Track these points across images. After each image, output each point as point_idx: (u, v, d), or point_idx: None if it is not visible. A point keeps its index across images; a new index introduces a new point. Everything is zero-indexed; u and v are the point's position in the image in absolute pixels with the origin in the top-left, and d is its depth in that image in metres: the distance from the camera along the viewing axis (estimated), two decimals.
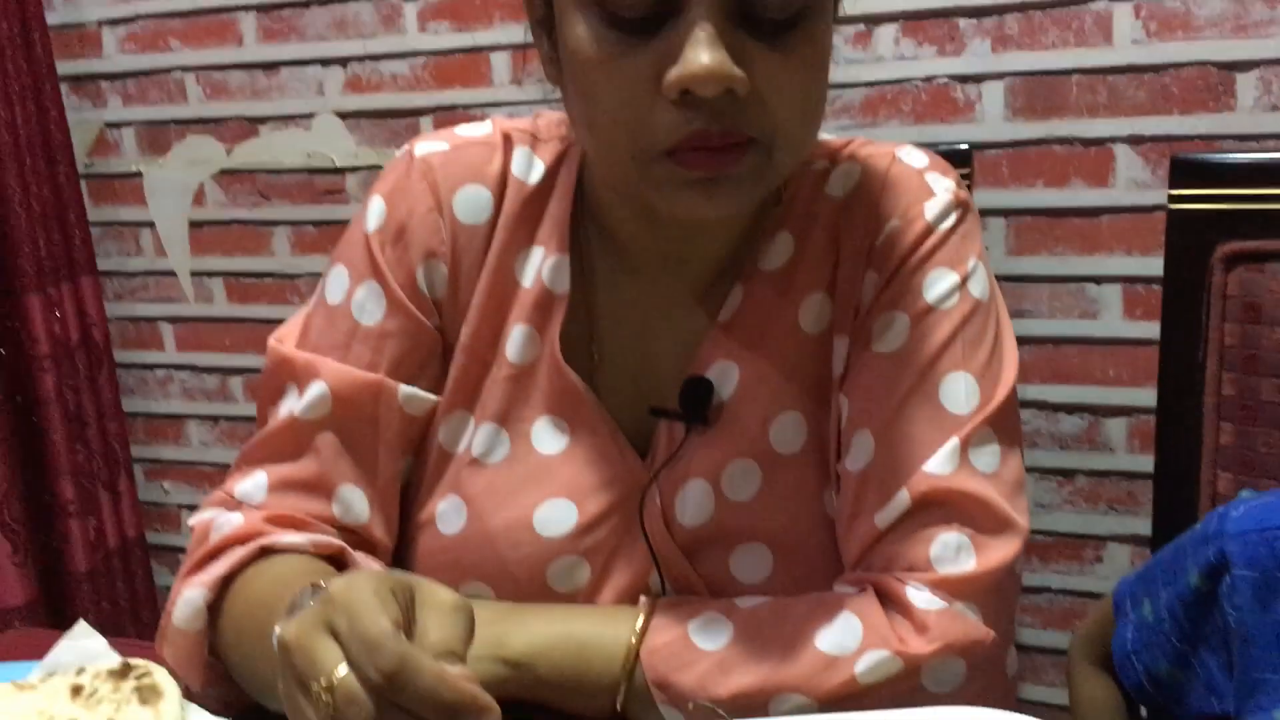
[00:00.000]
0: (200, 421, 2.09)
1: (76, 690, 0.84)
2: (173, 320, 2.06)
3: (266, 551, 0.85)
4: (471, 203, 0.92)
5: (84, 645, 0.90)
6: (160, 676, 0.82)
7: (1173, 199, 1.12)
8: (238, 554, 0.84)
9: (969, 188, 1.45)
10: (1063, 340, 1.53)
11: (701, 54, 0.72)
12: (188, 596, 0.84)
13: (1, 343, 1.82)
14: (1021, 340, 1.52)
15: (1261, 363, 1.07)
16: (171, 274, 2.03)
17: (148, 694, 0.80)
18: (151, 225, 2.01)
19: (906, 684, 0.80)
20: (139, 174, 2.00)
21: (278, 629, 0.61)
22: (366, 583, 0.59)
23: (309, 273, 1.93)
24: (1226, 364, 1.10)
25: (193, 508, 2.11)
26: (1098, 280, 1.50)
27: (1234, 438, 1.11)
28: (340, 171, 1.86)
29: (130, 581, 2.02)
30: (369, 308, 0.91)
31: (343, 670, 0.56)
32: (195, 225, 1.99)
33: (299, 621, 0.60)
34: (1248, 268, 1.08)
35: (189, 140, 1.95)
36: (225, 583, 0.84)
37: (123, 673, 0.83)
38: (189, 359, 2.06)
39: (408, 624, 0.59)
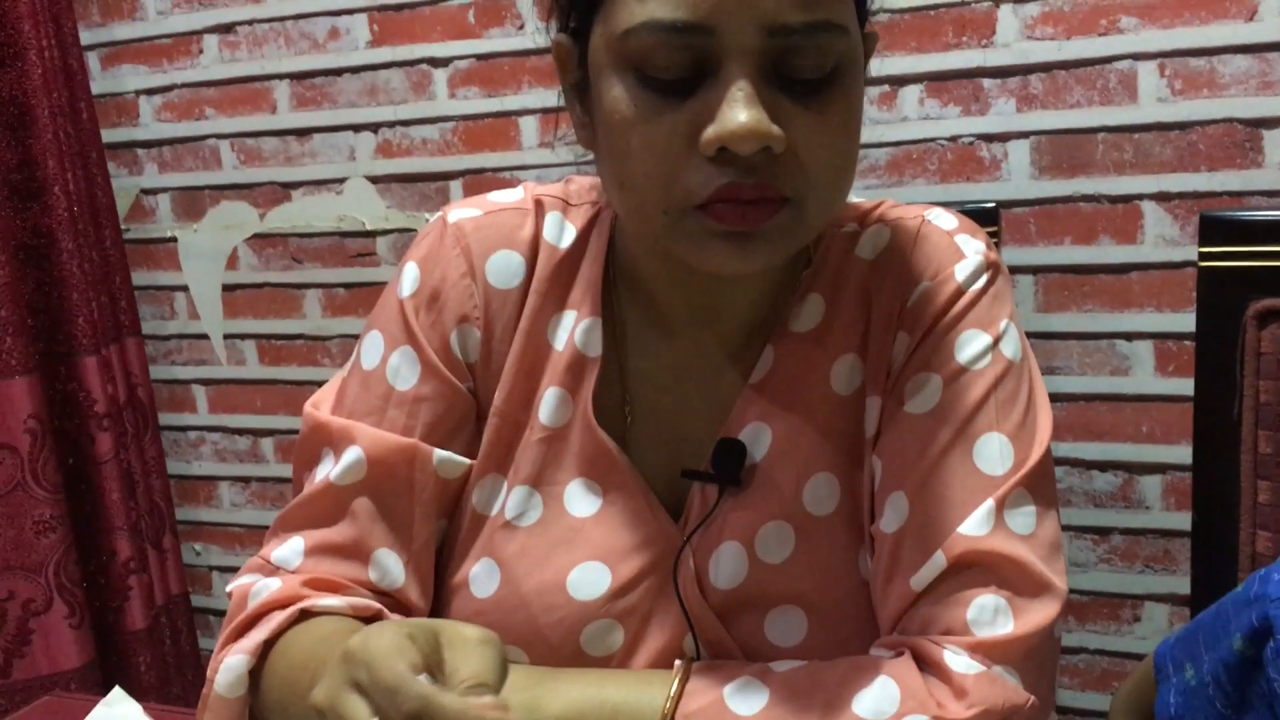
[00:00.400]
0: (231, 483, 2.11)
1: None
2: (205, 382, 2.08)
3: (306, 614, 0.85)
4: (504, 268, 0.93)
5: (119, 712, 0.90)
6: None
7: (1203, 256, 1.12)
8: (278, 619, 0.84)
9: (997, 245, 1.46)
10: (1095, 397, 1.52)
11: (740, 112, 0.73)
12: (229, 664, 0.84)
13: (62, 404, 1.84)
14: (1053, 397, 1.51)
15: None
16: (205, 336, 2.05)
17: None
18: (185, 289, 2.04)
19: None
20: (174, 239, 2.03)
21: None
22: (382, 633, 0.61)
23: (340, 334, 1.95)
24: (1262, 421, 1.10)
25: (223, 569, 2.13)
26: (1129, 337, 1.49)
27: (1272, 495, 1.10)
28: (371, 235, 1.89)
29: (176, 640, 2.03)
30: (404, 373, 0.91)
31: None
32: (228, 288, 2.01)
33: (325, 684, 0.62)
34: None
35: (223, 205, 1.98)
36: (266, 647, 0.84)
37: None
38: (221, 420, 2.08)
39: (435, 665, 0.61)
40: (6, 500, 1.76)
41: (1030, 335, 1.53)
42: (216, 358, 2.05)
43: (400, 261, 0.96)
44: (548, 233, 0.94)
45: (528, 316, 0.92)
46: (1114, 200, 1.46)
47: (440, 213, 0.96)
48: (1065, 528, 1.57)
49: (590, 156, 0.87)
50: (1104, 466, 1.54)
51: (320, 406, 0.94)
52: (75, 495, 1.86)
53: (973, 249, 0.91)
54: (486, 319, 0.92)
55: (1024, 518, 0.84)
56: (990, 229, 1.43)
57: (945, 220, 0.94)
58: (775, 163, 0.76)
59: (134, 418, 1.95)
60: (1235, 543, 1.12)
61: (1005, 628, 0.81)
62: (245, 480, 2.09)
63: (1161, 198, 1.44)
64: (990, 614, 0.82)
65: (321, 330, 1.96)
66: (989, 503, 0.84)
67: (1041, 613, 0.82)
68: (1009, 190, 1.51)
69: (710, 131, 0.74)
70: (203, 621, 2.18)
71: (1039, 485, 0.86)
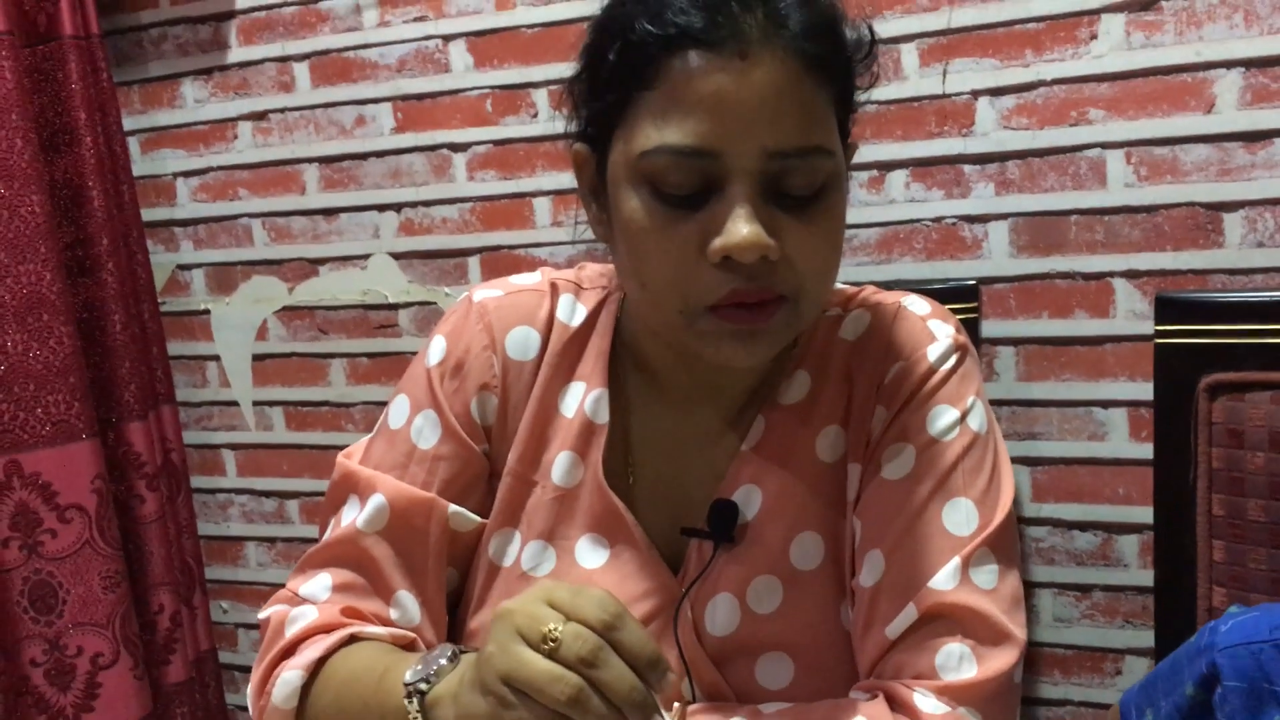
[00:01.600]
0: (258, 543, 2.20)
1: None
2: (234, 447, 2.18)
3: (353, 639, 0.95)
4: (521, 342, 1.04)
5: None
6: None
7: (1159, 334, 1.22)
8: (328, 641, 0.94)
9: (978, 320, 1.57)
10: (1074, 461, 1.62)
11: (742, 227, 0.85)
12: (286, 678, 0.94)
13: (114, 469, 1.95)
14: (1035, 461, 1.62)
15: (1247, 484, 1.16)
16: (235, 404, 2.16)
17: None
18: (217, 359, 2.16)
19: None
20: (207, 311, 2.15)
21: (442, 654, 0.84)
22: (536, 589, 0.77)
23: (363, 401, 2.06)
24: (1216, 486, 1.19)
25: (249, 626, 2.22)
26: (1104, 404, 1.59)
27: (1225, 554, 1.19)
28: (394, 308, 2.00)
29: (205, 694, 2.12)
30: (426, 433, 1.02)
31: (562, 624, 0.72)
32: (258, 358, 2.13)
33: (520, 600, 0.75)
34: (1230, 397, 1.18)
35: (254, 280, 2.10)
36: (318, 665, 0.94)
37: None
38: (249, 483, 2.18)
39: None
40: (76, 559, 1.87)
41: (1012, 403, 1.64)
42: (246, 423, 2.16)
43: (429, 334, 1.07)
44: (561, 313, 1.05)
45: (540, 386, 1.03)
46: (1087, 277, 1.57)
47: (467, 293, 1.08)
48: (1048, 585, 1.66)
49: (607, 248, 0.99)
50: (1084, 526, 1.63)
51: (352, 457, 1.05)
52: (126, 554, 1.96)
53: (944, 332, 1.02)
54: (504, 387, 1.03)
55: (987, 574, 0.94)
56: (972, 305, 1.54)
57: (919, 306, 1.05)
58: (772, 268, 0.88)
59: (169, 481, 2.06)
60: (1194, 598, 1.21)
61: (969, 672, 0.91)
62: (271, 540, 2.19)
63: (1131, 275, 1.54)
64: (956, 660, 0.91)
65: (346, 398, 2.07)
66: (956, 560, 0.94)
67: (1002, 659, 0.92)
68: (990, 268, 1.62)
69: (717, 243, 0.86)
70: (229, 677, 2.26)
71: (1001, 545, 0.96)
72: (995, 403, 1.63)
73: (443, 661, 0.85)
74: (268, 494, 2.18)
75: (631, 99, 0.89)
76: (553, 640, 0.70)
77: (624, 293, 1.06)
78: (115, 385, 1.95)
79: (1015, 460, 1.65)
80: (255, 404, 2.15)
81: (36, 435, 1.84)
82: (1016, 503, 1.64)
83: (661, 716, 0.71)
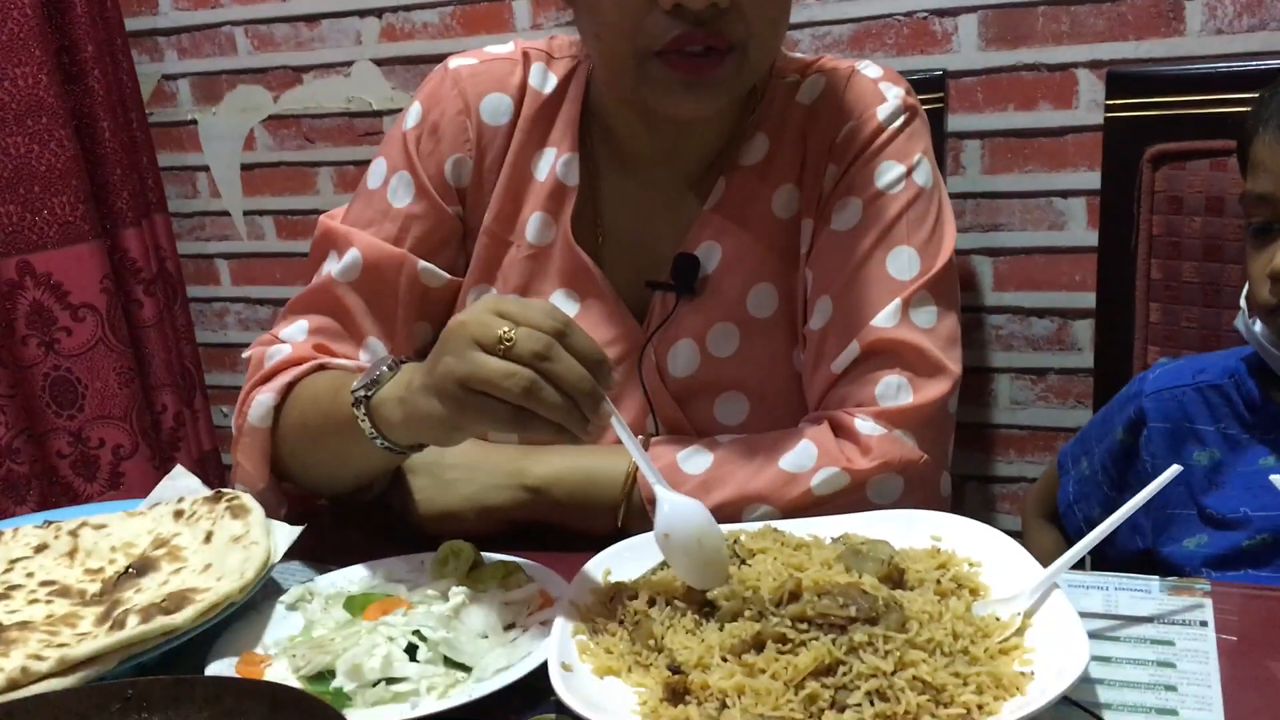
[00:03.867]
0: None
1: (178, 514, 1.03)
2: (228, 256, 2.24)
3: (322, 368, 1.04)
4: (495, 108, 1.09)
5: (182, 484, 1.08)
6: (246, 499, 1.00)
7: (1108, 108, 1.27)
8: (298, 370, 1.03)
9: (944, 112, 1.61)
10: (1034, 250, 1.68)
11: None
12: (260, 400, 1.03)
13: (114, 273, 2.02)
14: (996, 251, 1.69)
15: (1184, 248, 1.23)
16: (226, 214, 2.21)
17: (238, 511, 0.98)
18: (207, 169, 2.20)
19: (853, 496, 0.97)
20: (194, 121, 2.18)
21: (382, 360, 0.90)
22: (485, 299, 0.82)
23: None
24: (1155, 251, 1.26)
25: None
26: (1064, 194, 1.65)
27: (1161, 316, 1.26)
28: (378, 114, 2.03)
29: None
30: (400, 193, 1.09)
31: (514, 328, 0.77)
32: (246, 168, 2.17)
33: (470, 311, 0.80)
34: (1172, 166, 1.23)
35: (239, 89, 2.13)
36: (288, 390, 1.03)
37: (216, 498, 1.02)
38: (243, 292, 2.25)
39: None
40: (91, 355, 1.96)
41: (977, 195, 1.70)
42: (238, 233, 2.21)
43: (408, 101, 1.12)
44: (533, 80, 1.10)
45: (514, 150, 1.09)
46: (1051, 69, 1.61)
47: (443, 61, 1.13)
48: (1006, 370, 1.75)
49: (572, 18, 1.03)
50: (1041, 313, 1.71)
51: (335, 219, 1.12)
52: (133, 352, 2.05)
53: (893, 94, 1.08)
54: (479, 151, 1.09)
55: (926, 314, 1.02)
56: (937, 95, 1.58)
57: (872, 70, 1.10)
58: (721, 16, 0.93)
59: (165, 288, 2.13)
60: (1130, 359, 1.29)
61: (906, 399, 1.00)
62: None
63: (1094, 65, 1.58)
64: (894, 390, 1.00)
65: (334, 205, 2.11)
66: (896, 301, 1.01)
67: (936, 388, 1.00)
68: (960, 61, 1.65)
69: None
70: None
71: (940, 289, 1.03)
72: (959, 196, 1.69)
73: (384, 369, 0.92)
74: (262, 302, 2.25)
75: None
76: (507, 341, 0.76)
77: (592, 63, 1.10)
78: (108, 192, 2.00)
79: (977, 252, 1.71)
80: (246, 214, 2.20)
81: (45, 236, 1.91)
82: (978, 292, 1.73)
83: (608, 405, 0.78)
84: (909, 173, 1.05)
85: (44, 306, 1.91)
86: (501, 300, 0.80)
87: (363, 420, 0.90)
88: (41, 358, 1.93)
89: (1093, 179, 1.62)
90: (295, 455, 1.04)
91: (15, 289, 1.90)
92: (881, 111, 1.06)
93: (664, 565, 0.84)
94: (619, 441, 0.82)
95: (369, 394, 0.90)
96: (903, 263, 1.03)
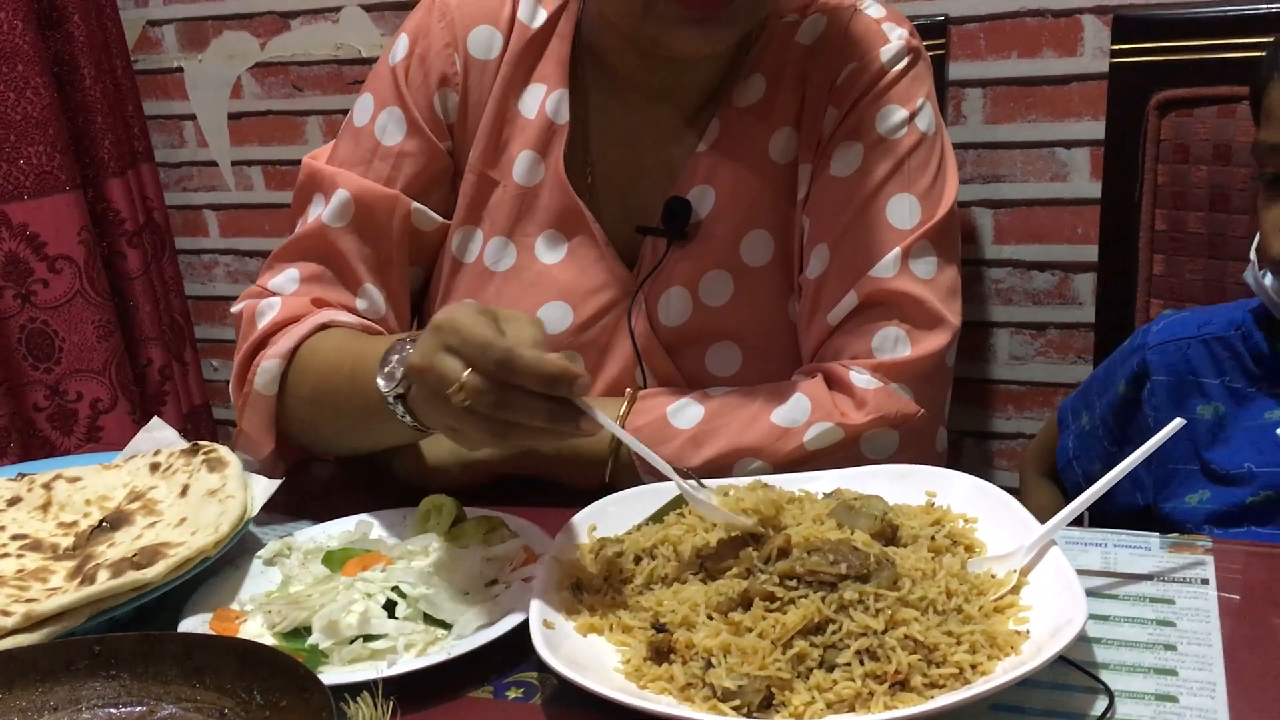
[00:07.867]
0: None
1: (155, 467, 1.00)
2: (215, 208, 2.21)
3: (326, 327, 1.00)
4: (483, 40, 1.05)
5: (159, 435, 1.06)
6: (224, 452, 0.98)
7: (1114, 53, 1.23)
8: (300, 330, 0.99)
9: (945, 59, 1.57)
10: (1036, 202, 1.65)
11: None
12: (266, 366, 0.99)
13: (96, 224, 1.98)
14: (998, 203, 1.65)
15: (1189, 198, 1.20)
16: (213, 164, 2.17)
17: (215, 464, 0.96)
18: (193, 118, 2.15)
19: (847, 450, 0.95)
20: (180, 69, 2.13)
21: (402, 357, 0.84)
22: (463, 309, 0.77)
23: None
24: (1159, 201, 1.22)
25: None
26: (1068, 145, 1.61)
27: (1165, 267, 1.23)
28: (367, 62, 1.99)
29: None
30: (390, 130, 1.05)
31: (466, 374, 0.73)
32: (234, 117, 2.12)
33: (420, 350, 0.77)
34: (1179, 113, 1.20)
35: (225, 36, 2.08)
36: (293, 354, 1.00)
37: (193, 451, 0.99)
38: (232, 244, 2.22)
39: (499, 335, 0.76)
40: (69, 308, 1.93)
41: (978, 146, 1.66)
42: (226, 184, 2.17)
43: (394, 35, 1.08)
44: (522, 14, 1.07)
45: (499, 86, 1.05)
46: (1057, 14, 1.56)
47: None
48: (1005, 324, 1.72)
49: None
50: (1042, 266, 1.67)
51: (318, 159, 1.08)
52: (117, 307, 2.02)
53: (897, 35, 1.04)
54: (465, 85, 1.06)
55: (926, 265, 0.99)
56: (939, 41, 1.53)
57: (874, 10, 1.06)
58: None
59: (153, 239, 2.09)
60: (1132, 313, 1.26)
61: (904, 352, 0.97)
62: None
63: (1100, 10, 1.54)
64: (891, 342, 0.97)
65: None
66: (897, 250, 0.98)
67: (935, 341, 0.98)
68: (963, 7, 1.61)
69: None
70: (224, 432, 2.35)
71: (942, 239, 1.00)
72: (960, 147, 1.65)
73: (402, 368, 0.86)
74: (251, 254, 2.21)
75: None
76: (460, 400, 0.74)
77: None
78: (90, 141, 1.96)
79: (978, 203, 1.68)
80: (234, 164, 2.16)
81: (20, 186, 1.87)
82: (978, 245, 1.69)
83: (583, 405, 0.75)
84: (912, 117, 1.01)
85: (19, 258, 1.88)
86: (445, 334, 0.75)
87: (404, 417, 0.87)
88: (17, 309, 1.90)
89: (1096, 129, 1.58)
90: (311, 426, 1.02)
91: None
92: (885, 53, 1.02)
93: (650, 520, 0.81)
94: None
95: (403, 391, 0.86)
96: (903, 211, 0.99)
